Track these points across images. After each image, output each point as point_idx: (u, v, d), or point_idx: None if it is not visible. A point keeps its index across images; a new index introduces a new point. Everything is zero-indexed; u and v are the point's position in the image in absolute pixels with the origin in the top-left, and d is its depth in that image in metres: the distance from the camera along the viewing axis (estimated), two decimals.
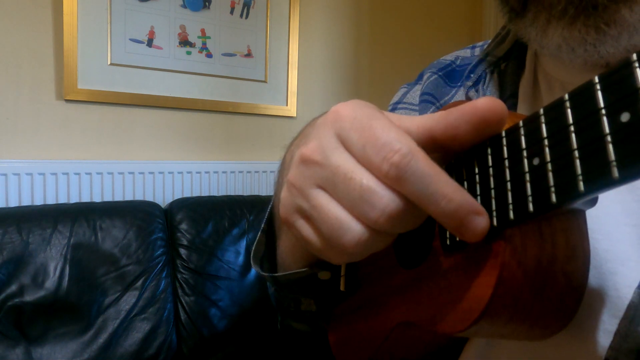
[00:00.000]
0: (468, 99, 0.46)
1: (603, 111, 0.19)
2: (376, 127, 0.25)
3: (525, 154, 0.23)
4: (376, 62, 2.16)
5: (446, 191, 0.23)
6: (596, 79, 0.20)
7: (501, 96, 0.43)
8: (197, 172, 1.74)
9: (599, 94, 0.19)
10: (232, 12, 1.78)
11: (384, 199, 0.24)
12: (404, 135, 0.24)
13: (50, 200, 1.50)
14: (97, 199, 1.57)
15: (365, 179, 0.25)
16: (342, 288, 0.38)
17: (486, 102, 0.24)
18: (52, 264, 1.31)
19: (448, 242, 0.28)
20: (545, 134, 0.22)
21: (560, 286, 0.25)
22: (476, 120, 0.24)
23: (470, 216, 0.23)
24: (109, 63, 1.59)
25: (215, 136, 1.82)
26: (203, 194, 1.74)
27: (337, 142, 0.26)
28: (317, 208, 0.26)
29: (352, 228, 0.25)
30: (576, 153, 0.20)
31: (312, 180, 0.27)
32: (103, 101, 1.59)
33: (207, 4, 1.73)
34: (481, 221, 0.23)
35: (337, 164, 0.26)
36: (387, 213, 0.24)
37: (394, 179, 0.23)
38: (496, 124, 0.24)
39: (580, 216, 0.26)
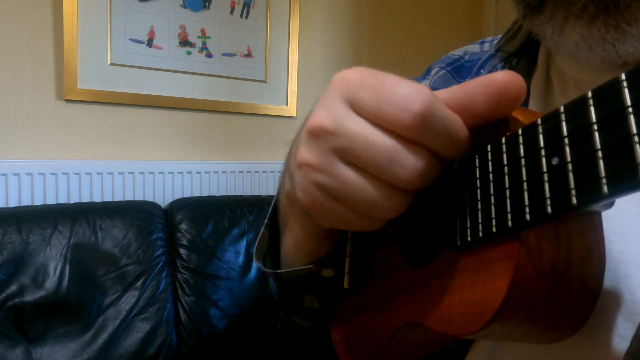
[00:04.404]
0: None
1: (630, 109, 0.18)
2: (387, 82, 0.24)
3: (543, 152, 0.22)
4: (376, 62, 2.16)
5: (465, 134, 0.25)
6: (623, 76, 0.19)
7: None
8: (197, 172, 1.74)
9: (626, 91, 0.18)
10: (232, 12, 1.78)
11: (413, 156, 0.24)
12: (419, 85, 0.24)
13: (50, 200, 1.50)
14: (97, 199, 1.57)
15: (388, 140, 0.24)
16: (345, 285, 0.38)
17: (505, 75, 0.24)
18: (52, 264, 1.30)
19: (458, 242, 0.27)
20: (565, 133, 0.21)
21: (574, 289, 0.24)
22: (493, 91, 0.24)
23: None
24: (109, 63, 1.58)
25: (215, 136, 1.82)
26: (203, 194, 1.74)
27: (347, 107, 0.25)
28: (347, 185, 0.25)
29: (389, 196, 0.25)
30: (600, 153, 0.19)
31: (328, 153, 0.26)
32: (103, 101, 1.59)
33: (207, 4, 1.73)
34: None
35: (354, 129, 0.25)
36: (418, 169, 0.24)
37: (418, 130, 0.23)
38: (514, 99, 0.24)
39: (597, 218, 0.25)
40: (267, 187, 1.89)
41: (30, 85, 1.49)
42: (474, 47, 0.53)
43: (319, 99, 0.28)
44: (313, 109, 0.28)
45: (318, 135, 0.26)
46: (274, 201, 0.44)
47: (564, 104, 0.38)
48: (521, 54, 0.44)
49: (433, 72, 0.53)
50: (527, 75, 0.42)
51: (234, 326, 1.48)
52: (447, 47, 0.61)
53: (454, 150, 0.25)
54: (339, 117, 0.25)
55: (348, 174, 0.25)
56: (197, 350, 1.43)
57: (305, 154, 0.27)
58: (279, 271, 0.40)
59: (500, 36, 0.47)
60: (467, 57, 0.52)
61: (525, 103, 0.40)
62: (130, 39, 1.61)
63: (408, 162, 0.24)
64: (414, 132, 0.23)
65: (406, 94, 0.23)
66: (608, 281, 0.28)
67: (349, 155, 0.25)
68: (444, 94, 0.25)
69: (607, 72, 0.36)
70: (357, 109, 0.25)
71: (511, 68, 0.44)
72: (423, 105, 0.23)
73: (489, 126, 0.26)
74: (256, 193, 1.85)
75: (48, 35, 1.50)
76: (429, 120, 0.23)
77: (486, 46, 0.52)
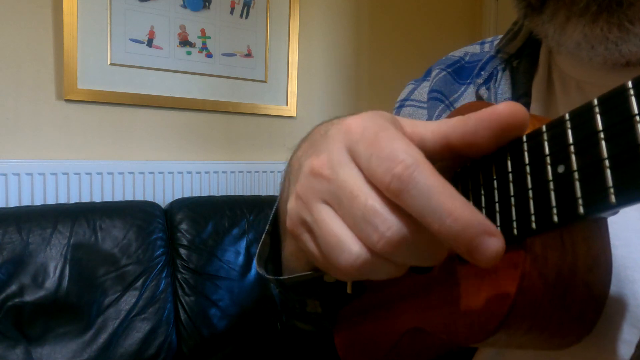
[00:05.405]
0: (479, 97, 0.45)
1: (637, 118, 0.18)
2: (382, 137, 0.24)
3: (549, 160, 0.21)
4: (376, 62, 2.16)
5: (452, 207, 0.21)
6: (629, 84, 0.18)
7: (513, 95, 0.42)
8: (197, 172, 1.74)
9: (633, 99, 0.18)
10: (232, 12, 1.78)
11: (387, 222, 0.23)
12: (411, 146, 0.23)
13: (50, 200, 1.49)
14: (97, 199, 1.56)
15: (371, 198, 0.23)
16: (349, 291, 0.38)
17: (507, 108, 0.23)
18: (52, 264, 1.30)
19: None
20: (571, 140, 0.20)
21: (580, 296, 0.24)
22: (496, 126, 0.23)
23: (480, 237, 0.20)
24: (109, 63, 1.58)
25: (215, 136, 1.81)
26: (203, 194, 1.74)
27: (346, 156, 0.25)
28: (319, 222, 0.26)
29: (350, 248, 0.24)
30: (607, 162, 0.19)
31: (318, 194, 0.26)
32: (103, 101, 1.59)
33: (207, 4, 1.73)
34: (494, 243, 0.20)
35: (344, 179, 0.25)
36: (388, 236, 0.22)
37: (396, 193, 0.22)
38: (517, 130, 0.23)
39: (602, 224, 0.24)
40: (267, 187, 1.89)
41: (30, 85, 1.49)
42: (474, 48, 0.53)
43: (326, 138, 0.28)
44: (316, 145, 0.29)
45: (315, 176, 0.26)
46: (275, 207, 0.44)
47: (566, 105, 0.38)
48: (522, 55, 0.44)
49: (433, 73, 0.53)
50: (529, 76, 0.42)
51: (234, 326, 1.48)
52: (447, 47, 0.61)
53: (437, 223, 0.21)
54: (336, 165, 0.25)
55: (324, 214, 0.26)
56: (197, 350, 1.43)
57: (300, 187, 0.28)
58: (281, 278, 0.40)
59: (500, 37, 0.47)
60: (467, 58, 0.52)
61: (527, 105, 0.40)
62: (130, 39, 1.61)
63: (381, 226, 0.23)
64: (392, 194, 0.23)
65: (393, 154, 0.23)
66: (612, 287, 0.27)
67: (333, 200, 0.25)
68: (443, 128, 0.25)
69: (609, 72, 0.36)
70: (356, 159, 0.25)
71: (512, 70, 0.44)
72: (403, 168, 0.22)
73: None
74: (256, 193, 1.85)
75: (48, 35, 1.50)
76: (407, 183, 0.22)
77: (486, 47, 0.52)
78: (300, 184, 0.28)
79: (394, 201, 0.23)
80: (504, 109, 0.23)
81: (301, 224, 0.28)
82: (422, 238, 0.23)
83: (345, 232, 0.24)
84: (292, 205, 0.29)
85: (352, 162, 0.25)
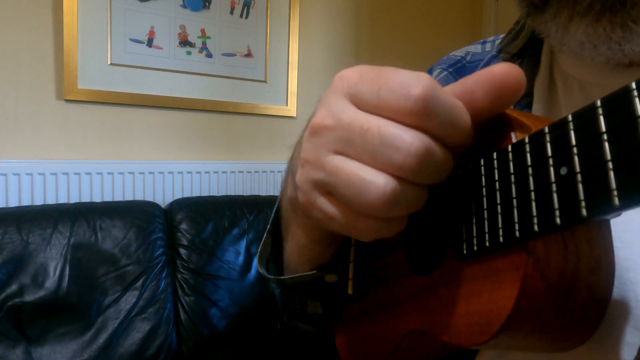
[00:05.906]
0: None
1: None
2: (386, 72, 0.24)
3: (551, 162, 0.21)
4: (376, 62, 2.14)
5: (467, 118, 0.24)
6: (633, 85, 0.18)
7: None
8: (197, 172, 1.74)
9: (637, 101, 0.18)
10: (232, 12, 1.78)
11: (408, 138, 0.23)
12: (418, 72, 0.24)
13: (50, 200, 1.49)
14: (97, 199, 1.56)
15: (383, 125, 0.23)
16: (350, 291, 0.38)
17: (503, 67, 0.24)
18: (52, 264, 1.30)
19: (465, 251, 0.26)
20: (574, 142, 0.20)
21: (583, 299, 0.24)
22: (493, 84, 0.24)
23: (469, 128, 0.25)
24: (109, 63, 1.58)
25: (215, 136, 1.81)
26: (203, 194, 1.74)
27: (347, 102, 0.25)
28: (335, 172, 0.25)
29: (376, 181, 0.23)
30: (610, 164, 0.19)
31: (326, 147, 0.26)
32: (103, 101, 1.59)
33: (207, 4, 1.73)
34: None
35: (350, 120, 0.24)
36: (413, 152, 0.23)
37: (421, 114, 0.23)
38: (513, 90, 0.24)
39: (605, 226, 0.24)
40: (267, 187, 1.89)
41: (30, 85, 1.49)
42: (475, 48, 0.53)
43: (321, 98, 0.28)
44: (315, 109, 0.28)
45: (317, 132, 0.26)
46: (276, 206, 0.44)
47: (568, 106, 0.38)
48: (524, 55, 0.44)
49: (435, 73, 0.53)
50: (531, 77, 0.42)
51: (234, 326, 1.48)
52: (447, 47, 0.61)
53: (458, 136, 0.24)
54: (337, 112, 0.25)
55: (337, 161, 0.25)
56: (197, 350, 1.44)
57: (304, 151, 0.27)
58: (281, 277, 0.40)
59: (502, 36, 0.47)
60: (468, 57, 0.52)
61: (529, 105, 0.40)
62: (130, 39, 1.61)
63: (403, 145, 0.23)
64: (416, 117, 0.23)
65: (406, 80, 0.23)
66: (614, 289, 0.27)
67: (344, 146, 0.25)
68: (445, 89, 0.25)
69: (611, 72, 0.36)
70: (359, 103, 0.25)
71: None
72: (424, 89, 0.22)
73: (496, 131, 0.26)
74: (256, 193, 1.85)
75: (48, 35, 1.50)
76: (430, 104, 0.22)
77: (488, 46, 0.52)
78: (304, 150, 0.27)
79: (417, 123, 0.23)
80: (499, 68, 0.24)
81: (314, 187, 0.27)
82: (439, 149, 0.24)
83: (365, 169, 0.24)
84: (300, 175, 0.28)
85: (354, 106, 0.25)
